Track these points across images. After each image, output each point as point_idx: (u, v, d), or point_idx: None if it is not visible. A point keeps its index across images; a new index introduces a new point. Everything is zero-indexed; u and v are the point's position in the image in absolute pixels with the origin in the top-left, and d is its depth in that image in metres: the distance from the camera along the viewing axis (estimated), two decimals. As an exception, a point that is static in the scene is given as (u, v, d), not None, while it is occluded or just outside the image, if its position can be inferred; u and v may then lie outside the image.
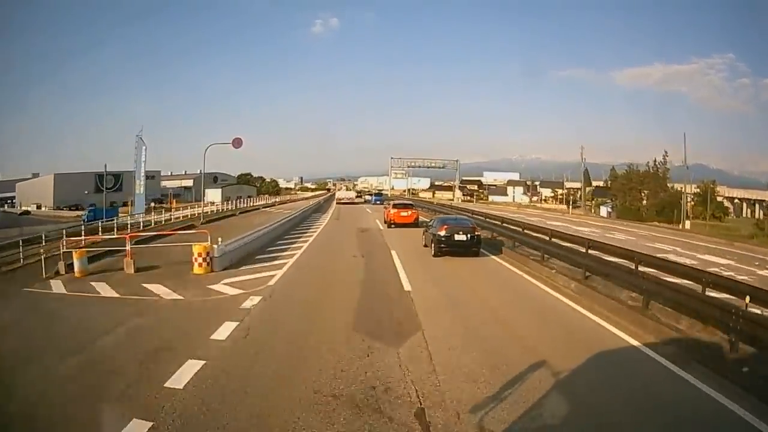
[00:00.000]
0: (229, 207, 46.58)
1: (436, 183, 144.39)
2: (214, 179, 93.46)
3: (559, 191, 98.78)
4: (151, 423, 4.17)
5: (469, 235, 14.04)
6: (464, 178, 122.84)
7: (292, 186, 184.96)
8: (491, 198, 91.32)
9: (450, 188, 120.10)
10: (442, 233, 14.08)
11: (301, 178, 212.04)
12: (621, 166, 77.29)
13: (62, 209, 72.41)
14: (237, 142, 23.65)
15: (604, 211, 62.43)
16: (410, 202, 26.41)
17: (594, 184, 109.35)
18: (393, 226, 21.51)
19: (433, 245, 14.47)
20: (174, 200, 66.33)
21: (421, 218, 22.62)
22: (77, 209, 67.22)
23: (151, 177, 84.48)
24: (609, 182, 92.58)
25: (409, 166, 76.34)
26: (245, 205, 43.65)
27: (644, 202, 56.36)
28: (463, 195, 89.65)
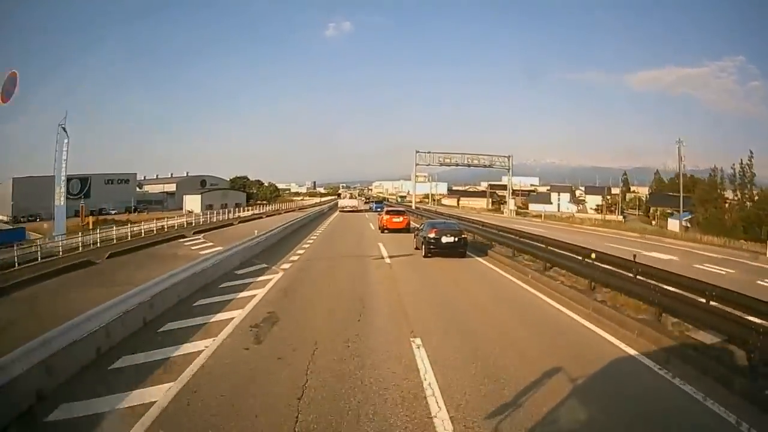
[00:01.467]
0: (208, 219, 32.80)
1: (455, 188, 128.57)
2: (202, 183, 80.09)
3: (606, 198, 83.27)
4: None
5: (456, 238, 14.38)
6: (492, 183, 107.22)
7: (304, 191, 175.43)
8: (532, 207, 75.16)
9: (481, 194, 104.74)
10: (432, 236, 14.35)
11: (314, 182, 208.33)
12: (636, 171, 66.85)
13: (21, 220, 61.12)
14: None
15: (674, 223, 48.20)
16: (402, 209, 29.72)
17: (622, 190, 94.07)
18: (386, 231, 22.72)
19: (423, 247, 14.69)
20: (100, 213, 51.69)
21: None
22: (35, 220, 57.65)
23: (125, 181, 71.81)
24: (653, 188, 79.37)
25: (441, 164, 57.43)
26: (186, 223, 28.58)
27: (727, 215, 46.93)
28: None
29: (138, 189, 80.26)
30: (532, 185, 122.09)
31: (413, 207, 55.65)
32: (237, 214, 37.91)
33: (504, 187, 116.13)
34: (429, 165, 56.18)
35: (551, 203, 74.62)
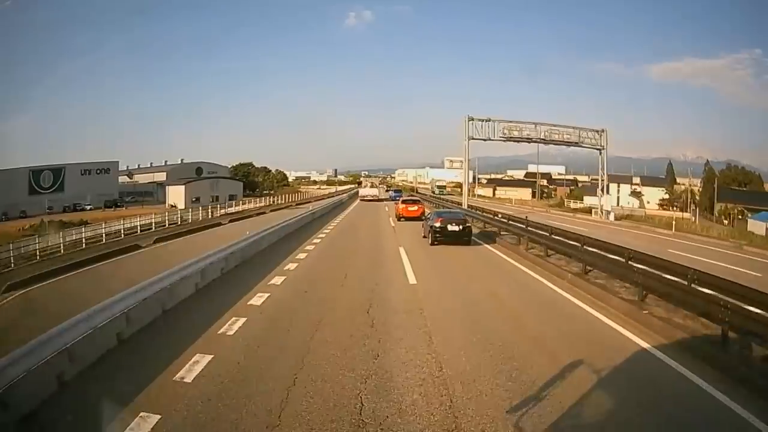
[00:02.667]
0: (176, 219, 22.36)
1: (480, 177, 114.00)
2: (197, 171, 70.28)
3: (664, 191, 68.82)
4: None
5: (461, 226, 14.75)
6: (529, 171, 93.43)
7: (324, 179, 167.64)
8: (588, 201, 61.55)
9: (519, 183, 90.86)
10: (438, 224, 14.72)
11: (335, 170, 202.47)
12: (655, 161, 55.01)
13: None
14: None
15: (755, 225, 34.24)
16: (417, 198, 30.95)
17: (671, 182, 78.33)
18: (402, 219, 23.75)
19: (430, 235, 14.99)
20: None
21: None
22: (2, 219, 49.44)
23: (104, 171, 62.59)
24: (705, 180, 65.43)
25: (507, 138, 35.21)
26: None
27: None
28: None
29: (129, 179, 71.41)
30: (559, 174, 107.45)
31: (465, 206, 33.31)
32: (205, 215, 27.02)
33: (545, 177, 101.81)
34: (487, 140, 36.20)
35: (609, 195, 60.70)
